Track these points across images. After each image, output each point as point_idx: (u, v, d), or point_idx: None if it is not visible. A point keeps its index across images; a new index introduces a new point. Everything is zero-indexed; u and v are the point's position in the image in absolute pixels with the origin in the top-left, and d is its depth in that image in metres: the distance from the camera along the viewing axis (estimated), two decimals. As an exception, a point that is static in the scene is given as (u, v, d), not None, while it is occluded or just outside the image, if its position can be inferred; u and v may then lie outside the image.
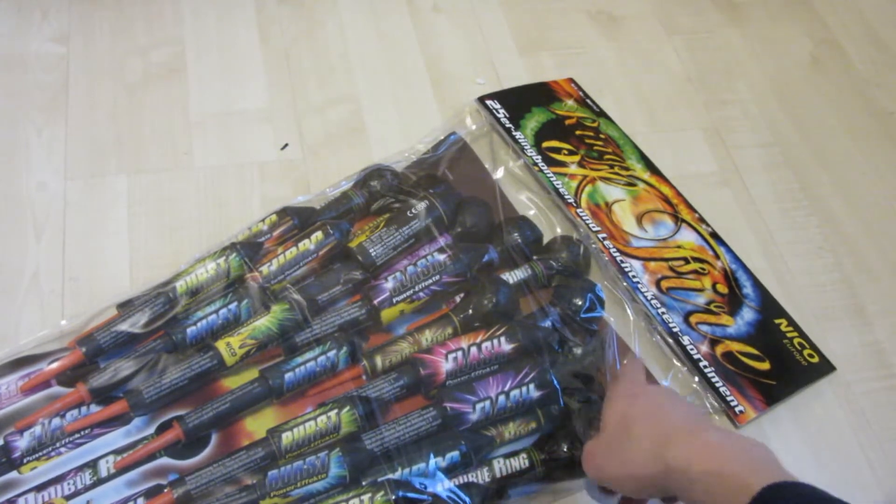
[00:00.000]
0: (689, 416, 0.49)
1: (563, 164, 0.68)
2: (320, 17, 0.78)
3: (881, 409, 0.60)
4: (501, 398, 0.54)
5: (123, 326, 0.54)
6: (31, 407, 0.53)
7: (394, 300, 0.57)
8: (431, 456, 0.52)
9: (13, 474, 0.51)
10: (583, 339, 0.58)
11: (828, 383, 0.61)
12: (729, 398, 0.58)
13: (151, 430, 0.53)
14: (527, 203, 0.67)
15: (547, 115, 0.72)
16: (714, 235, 0.67)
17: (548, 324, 0.59)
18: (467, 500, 0.51)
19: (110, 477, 0.51)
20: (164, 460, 0.52)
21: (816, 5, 0.87)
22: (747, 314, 0.62)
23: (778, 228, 0.69)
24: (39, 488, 0.50)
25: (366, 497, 0.49)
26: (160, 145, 0.67)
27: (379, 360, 0.56)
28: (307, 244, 0.59)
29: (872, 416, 0.60)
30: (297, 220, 0.61)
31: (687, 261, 0.65)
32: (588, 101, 0.74)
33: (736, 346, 0.60)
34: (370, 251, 0.59)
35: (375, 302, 0.57)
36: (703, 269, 0.64)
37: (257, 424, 0.54)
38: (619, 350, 0.59)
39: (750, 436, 0.45)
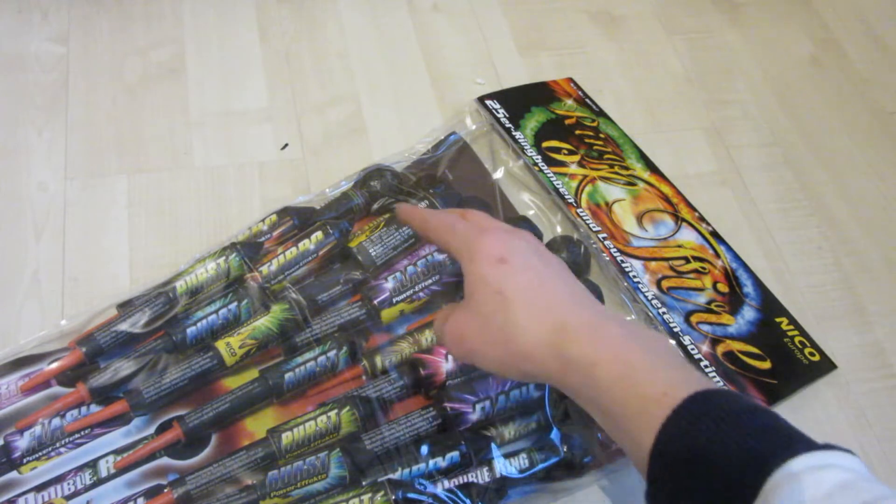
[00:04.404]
0: (582, 299, 0.41)
1: (563, 163, 0.68)
2: (320, 17, 0.78)
3: (881, 409, 0.60)
4: (501, 398, 0.54)
5: (123, 326, 0.54)
6: (31, 407, 0.53)
7: (394, 300, 0.57)
8: (431, 456, 0.52)
9: (13, 474, 0.51)
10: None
11: (828, 384, 0.61)
12: (729, 398, 0.58)
13: (151, 430, 0.53)
14: (527, 203, 0.67)
15: (547, 114, 0.72)
16: (714, 234, 0.67)
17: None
18: (467, 500, 0.51)
19: (110, 477, 0.51)
20: (164, 460, 0.52)
21: (816, 5, 0.87)
22: (748, 313, 0.62)
23: (778, 228, 0.69)
24: (39, 488, 0.50)
25: (366, 497, 0.49)
26: (160, 145, 0.67)
27: (379, 360, 0.56)
28: (307, 244, 0.59)
29: (872, 416, 0.60)
30: (297, 220, 0.61)
31: (687, 260, 0.65)
32: (588, 100, 0.74)
33: (737, 346, 0.60)
34: (370, 251, 0.59)
35: (375, 302, 0.57)
36: (704, 268, 0.64)
37: (257, 424, 0.54)
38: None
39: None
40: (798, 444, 0.33)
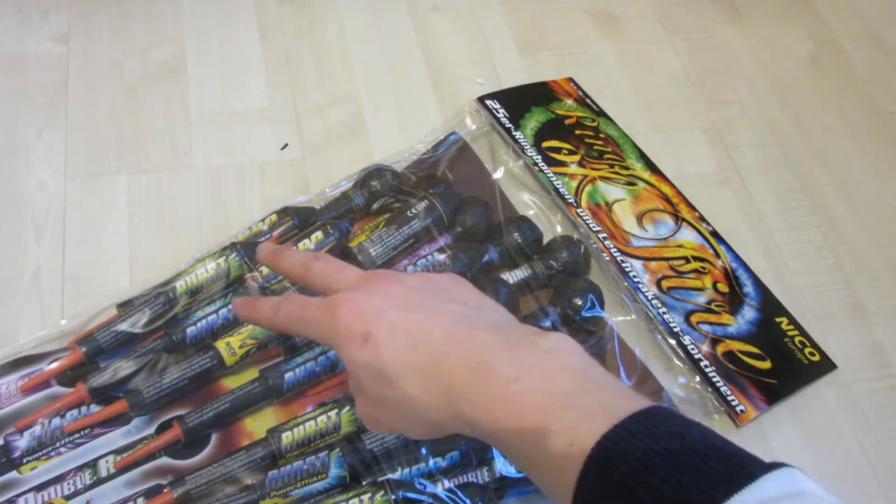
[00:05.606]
0: (463, 334, 0.38)
1: (563, 163, 0.68)
2: (320, 17, 0.78)
3: (881, 409, 0.60)
4: (502, 398, 0.54)
5: (123, 326, 0.54)
6: (31, 407, 0.53)
7: (394, 300, 0.57)
8: (431, 456, 0.52)
9: (13, 474, 0.51)
10: (583, 340, 0.58)
11: (828, 383, 0.61)
12: (730, 398, 0.58)
13: (151, 430, 0.53)
14: (527, 203, 0.67)
15: (547, 114, 0.72)
16: (714, 234, 0.67)
17: (548, 324, 0.59)
18: (467, 500, 0.51)
19: (110, 477, 0.51)
20: (164, 460, 0.52)
21: (816, 5, 0.87)
22: (748, 313, 0.62)
23: (778, 228, 0.69)
24: (39, 488, 0.50)
25: (366, 497, 0.49)
26: (160, 145, 0.67)
27: (379, 360, 0.56)
28: (307, 244, 0.59)
29: (872, 416, 0.60)
30: (297, 220, 0.61)
31: (687, 260, 0.65)
32: (588, 100, 0.74)
33: (737, 346, 0.60)
34: (370, 251, 0.59)
35: (375, 302, 0.57)
36: (704, 268, 0.64)
37: (257, 424, 0.54)
38: (619, 350, 0.59)
39: (694, 421, 0.34)
40: (736, 474, 0.30)
